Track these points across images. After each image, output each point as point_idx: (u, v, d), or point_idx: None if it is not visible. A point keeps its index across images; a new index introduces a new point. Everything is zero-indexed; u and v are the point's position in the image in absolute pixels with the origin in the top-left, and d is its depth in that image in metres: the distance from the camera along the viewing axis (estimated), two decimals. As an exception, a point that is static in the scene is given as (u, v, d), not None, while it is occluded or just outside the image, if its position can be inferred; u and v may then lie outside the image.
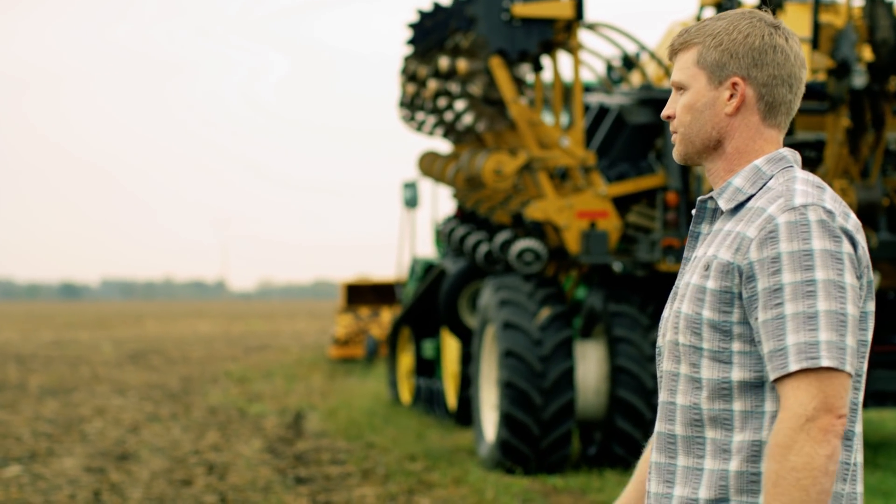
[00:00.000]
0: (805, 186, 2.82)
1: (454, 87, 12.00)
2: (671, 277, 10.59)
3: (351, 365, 26.08)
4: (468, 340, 14.12)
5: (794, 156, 2.92)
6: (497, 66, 11.25)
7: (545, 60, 11.78)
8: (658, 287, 11.63)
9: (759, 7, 3.03)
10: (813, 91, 10.86)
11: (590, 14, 13.95)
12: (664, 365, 2.94)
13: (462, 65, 11.45)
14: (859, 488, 2.87)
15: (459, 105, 12.18)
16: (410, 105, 13.39)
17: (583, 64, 11.77)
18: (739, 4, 10.85)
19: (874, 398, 11.66)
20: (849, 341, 2.72)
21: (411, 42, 12.64)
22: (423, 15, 12.38)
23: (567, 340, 11.38)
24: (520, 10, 11.12)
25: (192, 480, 11.53)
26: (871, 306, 2.84)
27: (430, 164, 13.83)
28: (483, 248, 12.58)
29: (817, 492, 2.67)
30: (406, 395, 17.80)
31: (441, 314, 14.28)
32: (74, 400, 19.65)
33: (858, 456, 2.86)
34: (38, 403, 19.10)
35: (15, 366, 27.89)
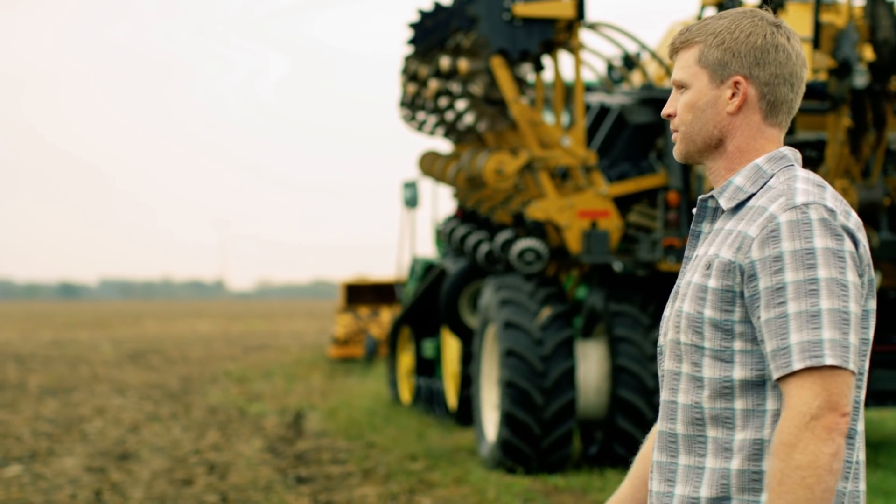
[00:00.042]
0: (806, 185, 2.83)
1: (455, 87, 12.00)
2: (672, 277, 10.59)
3: (350, 364, 26.08)
4: (469, 340, 14.12)
5: (794, 154, 2.93)
6: (498, 65, 11.25)
7: (546, 60, 11.77)
8: (659, 287, 11.63)
9: (761, 6, 3.03)
10: (814, 91, 10.86)
11: (591, 14, 13.95)
12: (665, 364, 2.94)
13: (463, 64, 11.45)
14: (862, 486, 2.87)
15: (460, 105, 12.18)
16: (411, 105, 13.39)
17: (584, 64, 11.78)
18: (741, 3, 10.85)
19: (875, 398, 11.66)
20: (852, 339, 2.73)
21: (412, 42, 12.63)
22: (424, 14, 12.37)
23: (568, 340, 11.38)
24: (521, 9, 11.12)
25: (192, 480, 11.53)
26: (873, 304, 2.84)
27: (431, 164, 13.83)
28: (484, 248, 12.58)
29: (822, 490, 2.68)
30: (406, 394, 17.80)
31: (442, 314, 14.28)
32: (74, 400, 19.64)
33: (861, 454, 2.86)
34: (37, 403, 19.10)
35: (14, 365, 27.88)
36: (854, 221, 2.82)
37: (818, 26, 10.72)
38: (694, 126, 2.92)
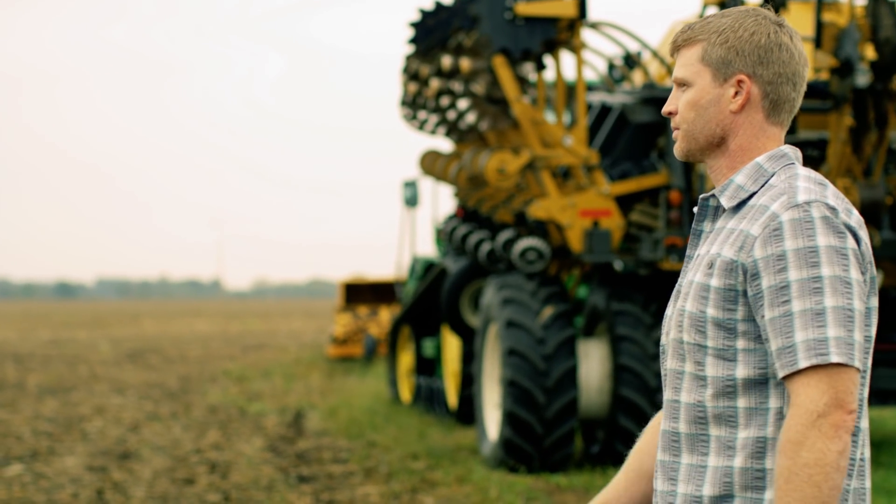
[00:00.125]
0: (807, 183, 2.83)
1: (457, 86, 12.00)
2: (674, 276, 10.59)
3: (349, 364, 26.08)
4: (469, 339, 14.12)
5: (795, 153, 2.93)
6: (500, 64, 11.25)
7: (547, 59, 11.77)
8: (661, 286, 11.63)
9: (762, 5, 3.03)
10: (816, 90, 10.87)
11: (592, 13, 13.95)
12: (668, 363, 2.94)
13: (465, 64, 11.45)
14: (867, 484, 2.88)
15: (462, 104, 12.19)
16: (412, 104, 13.39)
17: (585, 63, 11.77)
18: (742, 2, 10.85)
19: (876, 396, 11.67)
20: (856, 337, 2.73)
21: (413, 41, 12.63)
22: (425, 14, 12.37)
23: (570, 339, 11.38)
24: (523, 9, 11.12)
25: (194, 479, 11.53)
26: (875, 302, 2.84)
27: (432, 163, 13.83)
28: (485, 247, 12.58)
29: (829, 487, 2.68)
30: (406, 393, 17.80)
31: (443, 313, 14.28)
32: (74, 399, 19.63)
33: (865, 451, 2.86)
34: (37, 402, 19.09)
35: (13, 365, 27.87)
36: (856, 219, 2.82)
37: (820, 25, 10.72)
38: (696, 124, 2.92)
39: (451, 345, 15.57)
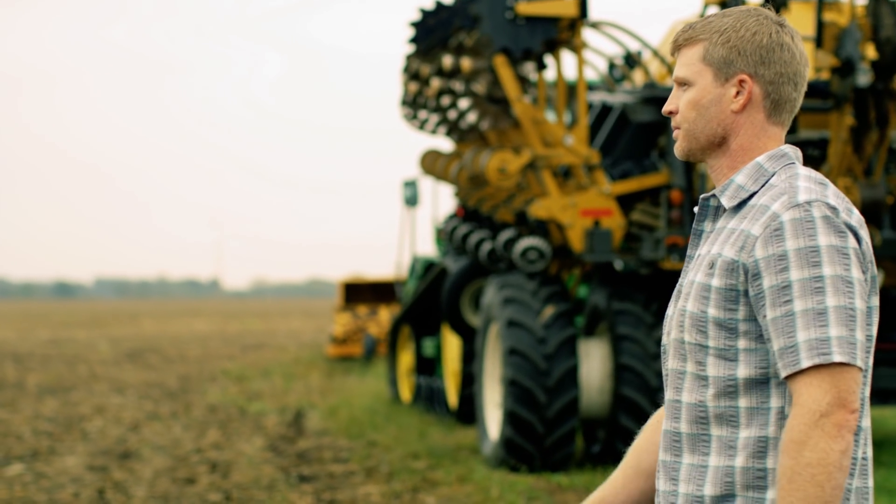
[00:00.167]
0: (808, 183, 2.83)
1: (458, 86, 12.00)
2: (675, 275, 10.60)
3: (349, 363, 26.09)
4: (470, 338, 14.12)
5: (795, 152, 2.92)
6: (501, 64, 11.25)
7: (548, 59, 11.77)
8: (662, 285, 11.63)
9: (763, 5, 3.03)
10: (817, 89, 10.87)
11: (593, 12, 13.96)
12: (669, 363, 2.94)
13: (466, 63, 11.46)
14: (870, 483, 2.88)
15: (463, 103, 12.19)
16: (413, 103, 13.39)
17: (585, 62, 11.77)
18: (744, 2, 10.85)
19: (876, 396, 11.68)
20: (858, 336, 2.73)
21: (414, 40, 12.62)
22: (426, 13, 12.37)
23: (571, 338, 11.39)
24: (524, 8, 11.12)
25: (195, 479, 11.53)
26: (876, 301, 2.85)
27: (433, 163, 13.83)
28: (486, 247, 12.58)
29: (832, 487, 2.68)
30: (406, 393, 17.80)
31: (443, 312, 14.28)
32: (73, 399, 19.63)
33: (868, 450, 2.86)
34: (37, 402, 19.08)
35: (12, 364, 27.86)
36: (856, 218, 2.82)
37: (821, 25, 10.73)
38: (697, 123, 2.92)
39: (452, 344, 15.57)
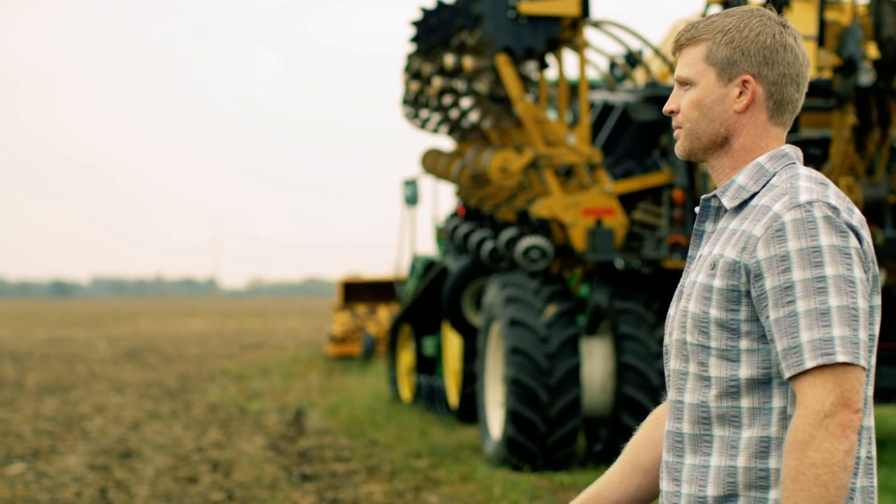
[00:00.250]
0: (809, 183, 2.82)
1: (460, 85, 12.00)
2: (677, 274, 10.60)
3: (348, 362, 26.09)
4: (471, 337, 14.13)
5: (796, 152, 2.92)
6: (503, 63, 11.25)
7: (550, 58, 11.77)
8: (664, 284, 11.64)
9: (765, 5, 3.03)
10: (819, 88, 10.88)
11: (594, 11, 13.94)
12: (671, 364, 2.93)
13: (468, 62, 11.46)
14: (874, 482, 2.87)
15: (465, 102, 12.19)
16: (414, 102, 13.39)
17: (587, 62, 11.77)
18: (746, 2, 10.85)
19: (878, 395, 11.70)
20: (861, 335, 2.73)
21: (415, 39, 12.62)
22: (427, 12, 12.37)
23: (573, 337, 11.39)
24: (526, 7, 11.12)
25: (197, 478, 11.52)
26: (878, 300, 2.85)
27: (434, 162, 13.83)
28: (488, 246, 12.58)
29: (836, 487, 2.68)
30: (406, 392, 17.80)
31: (444, 311, 14.28)
32: (73, 398, 19.62)
33: (872, 449, 2.86)
34: (37, 401, 19.08)
35: (11, 364, 27.85)
36: (857, 218, 2.82)
37: (823, 24, 10.73)
38: (700, 123, 2.91)
39: (452, 343, 15.57)
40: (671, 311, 2.95)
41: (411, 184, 17.51)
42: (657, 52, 12.40)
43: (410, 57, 13.03)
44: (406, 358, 17.79)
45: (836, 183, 10.78)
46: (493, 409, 12.08)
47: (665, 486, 2.93)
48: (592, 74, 13.19)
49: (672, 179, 11.55)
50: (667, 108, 2.96)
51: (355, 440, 14.01)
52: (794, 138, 11.10)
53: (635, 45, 13.08)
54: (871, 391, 2.84)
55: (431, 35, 12.28)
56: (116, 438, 14.50)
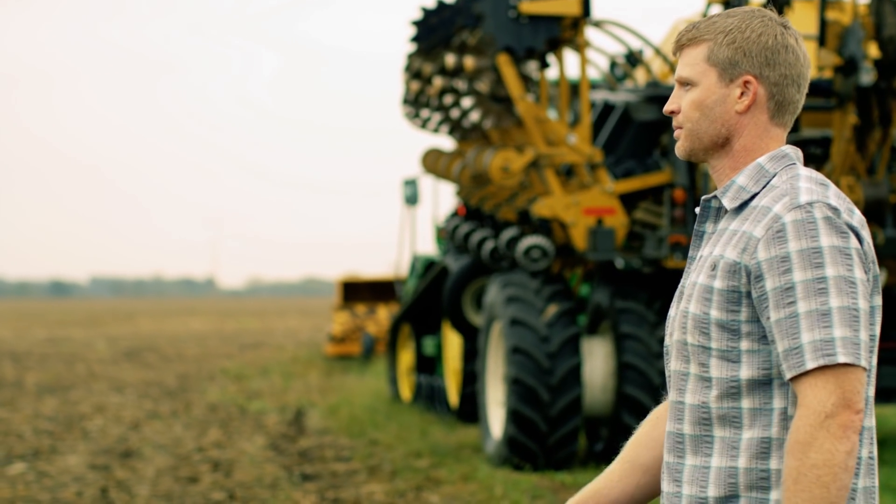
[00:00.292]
0: (809, 184, 2.82)
1: (461, 85, 12.00)
2: (678, 274, 10.60)
3: (347, 362, 26.09)
4: (471, 337, 14.13)
5: (796, 153, 2.92)
6: (504, 63, 11.25)
7: (551, 58, 11.77)
8: (665, 283, 11.64)
9: (765, 5, 3.03)
10: (820, 88, 10.88)
11: (595, 11, 13.93)
12: (672, 364, 2.93)
13: (469, 62, 11.46)
14: (875, 482, 2.87)
15: (466, 102, 12.19)
16: (415, 102, 13.39)
17: (588, 61, 11.77)
18: (747, 2, 10.85)
19: (879, 394, 11.71)
20: (862, 336, 2.73)
21: (415, 39, 12.62)
22: (428, 12, 12.37)
23: (574, 337, 11.40)
24: (527, 7, 11.12)
25: (198, 477, 11.52)
26: (879, 301, 2.85)
27: (434, 162, 13.83)
28: (489, 245, 12.58)
29: (837, 488, 2.68)
30: (406, 391, 17.80)
31: (445, 311, 14.28)
32: (73, 398, 19.62)
33: (873, 449, 2.86)
34: (36, 401, 19.07)
35: (10, 363, 27.85)
36: (857, 219, 2.82)
37: (824, 24, 10.73)
38: (701, 124, 2.91)
39: (452, 343, 15.57)
40: (671, 311, 2.96)
41: (411, 183, 17.51)
42: (658, 51, 12.40)
43: (411, 56, 13.03)
44: (406, 357, 17.79)
45: (837, 182, 10.78)
46: (494, 408, 12.08)
47: (666, 486, 2.93)
48: (593, 74, 13.19)
49: (673, 179, 11.55)
50: (667, 108, 2.96)
51: (356, 440, 14.01)
52: (794, 138, 11.11)
53: (636, 44, 13.09)
54: (872, 392, 2.84)
55: (432, 35, 12.27)
56: (117, 438, 14.50)
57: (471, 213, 14.05)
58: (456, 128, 12.99)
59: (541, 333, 11.33)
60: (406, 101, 13.71)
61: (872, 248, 2.83)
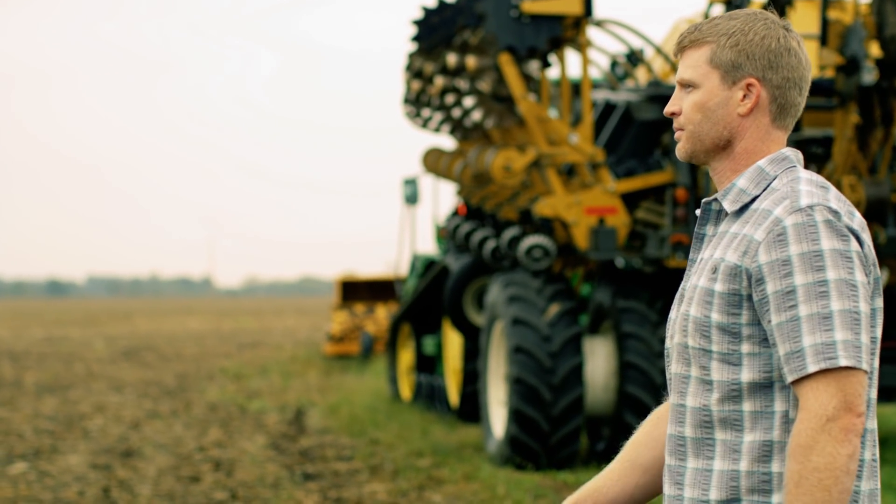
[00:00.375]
0: (809, 187, 2.82)
1: (462, 84, 12.00)
2: (680, 273, 10.61)
3: (346, 361, 26.08)
4: (472, 337, 14.13)
5: (796, 155, 2.92)
6: (506, 62, 11.25)
7: (553, 57, 11.77)
8: (667, 283, 11.64)
9: (766, 6, 3.03)
10: (821, 87, 10.88)
11: (597, 10, 13.92)
12: (673, 367, 2.93)
13: (471, 61, 11.46)
14: (878, 484, 2.87)
15: (467, 102, 12.18)
16: (415, 101, 13.39)
17: (589, 61, 11.78)
18: (749, 3, 10.85)
19: (879, 394, 11.71)
20: (863, 339, 2.73)
21: (416, 38, 12.62)
22: (429, 11, 12.37)
23: (576, 336, 11.40)
24: (529, 6, 11.12)
25: (199, 477, 11.52)
26: (880, 303, 2.85)
27: (435, 161, 13.83)
28: (490, 245, 12.58)
29: (839, 491, 2.68)
30: (406, 391, 17.80)
31: (445, 310, 14.28)
32: (72, 397, 19.61)
33: (875, 452, 2.86)
34: (36, 400, 19.06)
35: (9, 363, 27.83)
36: (858, 222, 2.82)
37: (825, 23, 10.73)
38: (703, 126, 2.90)
39: (453, 342, 15.57)
40: (672, 314, 2.95)
41: (411, 183, 17.51)
42: (659, 50, 12.40)
43: (412, 56, 13.02)
44: (406, 357, 17.79)
45: (839, 182, 10.79)
46: (496, 408, 12.09)
47: (668, 489, 2.93)
48: (595, 73, 13.19)
49: (675, 178, 11.55)
50: (668, 109, 2.95)
51: (357, 439, 14.01)
52: (796, 137, 11.11)
53: (637, 44, 13.09)
54: (874, 394, 2.83)
55: (433, 34, 12.27)
56: (117, 438, 14.50)
57: (472, 212, 14.06)
58: (457, 127, 12.99)
59: (543, 333, 11.34)
60: (407, 101, 13.71)
61: (873, 250, 2.83)
